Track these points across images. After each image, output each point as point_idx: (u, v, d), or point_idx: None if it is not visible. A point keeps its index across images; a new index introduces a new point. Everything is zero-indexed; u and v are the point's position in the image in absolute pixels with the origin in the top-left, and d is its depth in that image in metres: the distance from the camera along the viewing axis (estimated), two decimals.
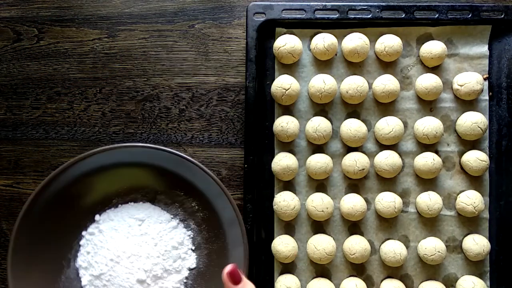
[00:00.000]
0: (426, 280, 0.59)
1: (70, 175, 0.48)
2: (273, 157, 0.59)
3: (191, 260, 0.52)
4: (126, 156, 0.49)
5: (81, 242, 0.51)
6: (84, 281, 0.50)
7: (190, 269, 0.52)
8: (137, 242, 0.49)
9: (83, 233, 0.51)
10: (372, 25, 0.59)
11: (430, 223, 0.59)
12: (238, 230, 0.48)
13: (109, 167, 0.49)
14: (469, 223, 0.59)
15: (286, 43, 0.57)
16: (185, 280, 0.52)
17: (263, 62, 0.60)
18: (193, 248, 0.52)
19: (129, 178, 0.51)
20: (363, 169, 0.57)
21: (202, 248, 0.52)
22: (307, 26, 0.60)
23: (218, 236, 0.50)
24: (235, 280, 0.41)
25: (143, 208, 0.52)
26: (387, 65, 0.60)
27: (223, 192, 0.48)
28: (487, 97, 0.59)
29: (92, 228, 0.51)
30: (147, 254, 0.49)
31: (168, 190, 0.51)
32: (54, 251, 0.50)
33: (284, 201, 0.57)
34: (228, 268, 0.42)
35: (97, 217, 0.51)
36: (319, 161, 0.57)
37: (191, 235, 0.52)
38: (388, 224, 0.59)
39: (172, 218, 0.51)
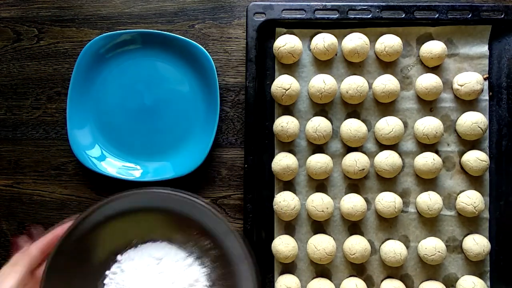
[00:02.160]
0: (426, 280, 0.59)
1: (93, 220, 0.50)
2: (273, 157, 0.59)
3: None
4: (144, 200, 0.52)
5: (105, 281, 0.53)
6: None
7: None
8: (156, 280, 0.52)
9: (107, 272, 0.53)
10: (372, 25, 0.59)
11: (430, 223, 0.59)
12: (247, 267, 0.49)
13: (128, 212, 0.52)
14: (469, 223, 0.59)
15: (286, 43, 0.57)
16: None
17: (263, 62, 0.60)
18: (209, 285, 0.53)
19: (147, 222, 0.53)
20: (363, 169, 0.57)
21: (217, 285, 0.53)
22: (307, 26, 0.60)
23: (230, 273, 0.52)
24: None
25: (160, 247, 0.54)
26: (387, 65, 0.60)
27: (229, 230, 0.50)
28: (487, 97, 0.59)
29: (114, 268, 0.53)
30: None
31: (183, 230, 0.54)
32: None
33: (284, 201, 0.57)
34: None
35: (119, 257, 0.54)
36: (319, 161, 0.57)
37: (206, 272, 0.53)
38: (388, 224, 0.59)
39: (187, 256, 0.54)
